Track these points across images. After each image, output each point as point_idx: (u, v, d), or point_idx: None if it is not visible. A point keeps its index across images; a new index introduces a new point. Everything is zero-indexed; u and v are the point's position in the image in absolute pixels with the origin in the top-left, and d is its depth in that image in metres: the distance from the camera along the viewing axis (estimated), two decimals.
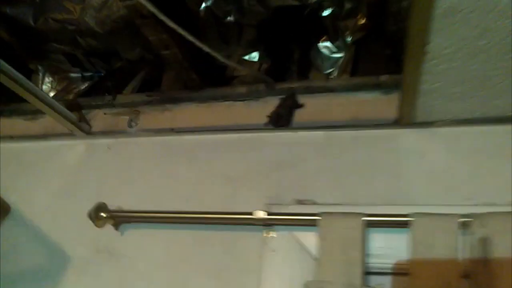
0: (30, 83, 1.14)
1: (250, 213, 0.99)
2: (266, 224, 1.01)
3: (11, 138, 1.41)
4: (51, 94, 1.59)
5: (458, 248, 0.87)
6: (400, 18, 1.16)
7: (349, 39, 1.33)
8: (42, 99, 1.17)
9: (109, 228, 1.13)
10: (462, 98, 0.96)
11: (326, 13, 1.30)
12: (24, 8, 1.39)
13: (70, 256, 1.17)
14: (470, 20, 0.76)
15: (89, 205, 1.12)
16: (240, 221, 1.03)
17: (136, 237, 1.14)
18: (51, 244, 1.21)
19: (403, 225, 0.91)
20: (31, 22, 1.40)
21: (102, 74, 1.55)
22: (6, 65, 1.08)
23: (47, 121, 1.36)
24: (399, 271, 0.93)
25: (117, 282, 1.10)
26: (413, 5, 0.74)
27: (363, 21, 1.29)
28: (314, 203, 1.07)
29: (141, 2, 0.97)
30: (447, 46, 0.82)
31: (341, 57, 1.35)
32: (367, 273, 0.92)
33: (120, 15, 1.33)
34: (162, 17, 0.99)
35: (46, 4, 1.36)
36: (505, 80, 0.90)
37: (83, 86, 1.57)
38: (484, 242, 0.86)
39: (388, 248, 0.95)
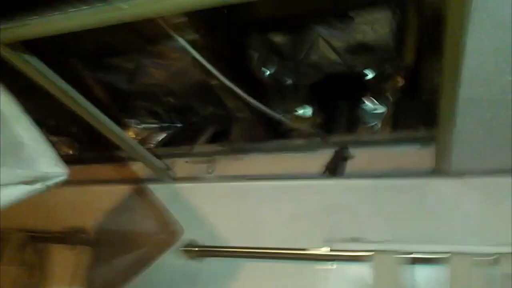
0: (127, 135, 1.42)
1: (317, 249, 1.22)
2: (329, 259, 1.24)
3: (104, 182, 1.70)
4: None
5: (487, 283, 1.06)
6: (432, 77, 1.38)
7: (390, 98, 1.56)
8: (136, 149, 1.44)
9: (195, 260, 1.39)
10: (485, 158, 1.17)
11: (369, 76, 1.55)
12: (119, 75, 1.69)
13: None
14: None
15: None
16: (309, 256, 1.25)
17: (216, 267, 1.39)
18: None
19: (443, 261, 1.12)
20: (125, 86, 1.71)
21: (179, 126, 1.84)
22: (107, 118, 1.35)
23: (137, 168, 1.64)
24: None
25: None
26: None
27: (401, 83, 1.53)
28: (366, 241, 1.28)
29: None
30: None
31: (383, 113, 1.58)
32: None
33: (197, 80, 1.61)
34: (233, 87, 1.25)
35: (138, 72, 1.66)
36: None
37: (162, 136, 1.85)
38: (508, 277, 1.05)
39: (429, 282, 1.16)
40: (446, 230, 1.23)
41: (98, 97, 1.80)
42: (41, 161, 1.00)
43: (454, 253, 1.11)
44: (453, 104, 0.99)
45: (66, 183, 1.70)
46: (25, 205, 1.67)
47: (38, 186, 0.98)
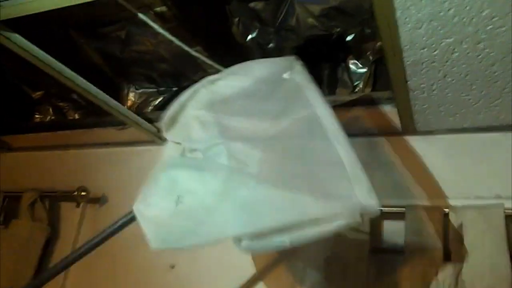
0: (114, 101, 1.52)
1: None
2: None
3: (106, 144, 1.84)
4: (135, 106, 2.00)
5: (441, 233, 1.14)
6: None
7: (370, 58, 1.59)
8: (125, 114, 1.55)
9: None
10: (448, 115, 1.22)
11: (349, 37, 1.58)
12: (114, 44, 1.79)
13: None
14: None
15: None
16: None
17: None
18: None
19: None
20: (118, 54, 1.81)
21: (174, 90, 1.93)
22: (100, 91, 1.45)
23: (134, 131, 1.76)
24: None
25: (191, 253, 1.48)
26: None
27: (380, 43, 1.55)
28: None
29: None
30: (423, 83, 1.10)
31: (364, 73, 1.63)
32: (372, 250, 1.21)
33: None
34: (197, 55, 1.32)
35: (129, 40, 1.75)
36: (480, 100, 1.15)
37: (159, 99, 1.96)
38: (460, 228, 1.13)
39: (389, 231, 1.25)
40: (413, 184, 1.31)
41: (97, 65, 1.91)
42: (356, 190, 0.83)
43: (409, 207, 1.19)
44: (401, 67, 1.04)
45: (71, 146, 1.88)
46: (35, 168, 1.85)
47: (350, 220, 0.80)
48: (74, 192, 1.67)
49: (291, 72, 1.08)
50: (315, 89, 1.03)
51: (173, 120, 1.07)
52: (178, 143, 1.03)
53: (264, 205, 0.83)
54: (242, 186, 0.85)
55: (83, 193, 1.67)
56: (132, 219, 1.02)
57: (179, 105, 1.07)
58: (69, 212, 1.74)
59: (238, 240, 0.83)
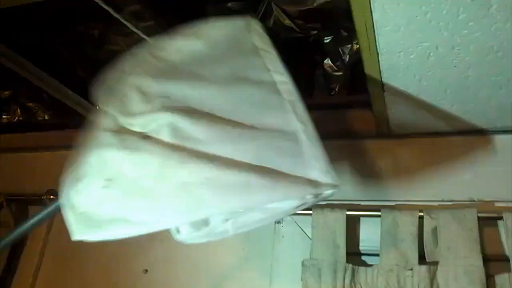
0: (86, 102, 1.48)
1: None
2: None
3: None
4: None
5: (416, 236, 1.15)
6: None
7: (347, 61, 1.60)
8: None
9: None
10: (423, 118, 1.23)
11: (327, 40, 1.58)
12: (85, 43, 1.74)
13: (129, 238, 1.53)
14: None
15: None
16: None
17: None
18: None
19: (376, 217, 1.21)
20: (91, 53, 1.75)
21: None
22: (71, 91, 1.42)
23: None
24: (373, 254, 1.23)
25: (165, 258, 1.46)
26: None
27: (357, 46, 1.56)
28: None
29: None
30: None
31: (341, 75, 1.63)
32: (348, 254, 1.21)
33: None
34: None
35: (102, 39, 1.70)
36: (454, 105, 1.17)
37: None
38: (434, 230, 1.14)
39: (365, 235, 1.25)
40: (388, 187, 1.32)
41: (68, 65, 1.85)
42: (313, 165, 0.76)
43: (384, 210, 1.19)
44: (378, 70, 1.04)
45: (41, 148, 1.81)
46: (2, 171, 1.78)
47: (308, 199, 0.75)
48: (43, 195, 1.61)
49: (249, 34, 0.96)
50: (275, 53, 0.92)
51: (110, 89, 0.90)
52: (113, 115, 0.86)
53: (206, 188, 0.73)
54: (182, 166, 0.74)
55: (51, 197, 1.61)
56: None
57: (119, 72, 0.92)
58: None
59: (176, 229, 0.78)
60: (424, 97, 1.15)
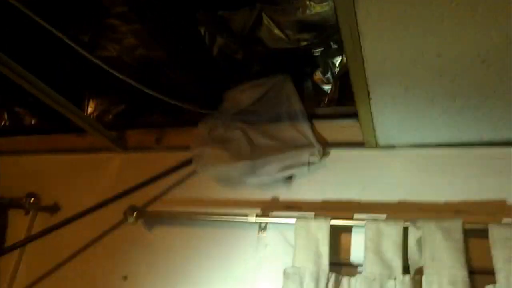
0: (73, 107, 1.47)
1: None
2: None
3: (63, 151, 1.76)
4: (95, 113, 1.93)
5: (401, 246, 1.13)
6: None
7: (336, 72, 1.60)
8: (86, 120, 1.51)
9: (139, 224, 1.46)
10: (409, 130, 1.23)
11: (316, 52, 1.59)
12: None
13: (108, 244, 1.50)
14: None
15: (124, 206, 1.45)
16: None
17: (160, 231, 1.46)
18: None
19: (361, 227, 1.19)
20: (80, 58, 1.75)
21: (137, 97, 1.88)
22: (59, 96, 1.41)
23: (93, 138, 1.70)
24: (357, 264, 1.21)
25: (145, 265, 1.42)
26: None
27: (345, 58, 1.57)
28: (300, 209, 1.35)
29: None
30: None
31: (329, 87, 1.63)
32: (332, 263, 1.19)
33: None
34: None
35: (92, 45, 1.70)
36: (440, 116, 1.17)
37: (120, 108, 1.90)
38: (419, 242, 1.13)
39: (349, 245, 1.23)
40: (373, 198, 1.31)
41: (58, 70, 1.84)
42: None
43: (371, 221, 1.18)
44: (364, 79, 1.04)
45: (25, 152, 1.79)
46: None
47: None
48: (23, 198, 1.58)
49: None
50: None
51: None
52: None
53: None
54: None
55: (32, 199, 1.58)
56: None
57: None
58: (17, 220, 1.64)
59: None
60: (411, 107, 1.15)
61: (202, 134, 1.49)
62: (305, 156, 1.37)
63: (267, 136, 1.47)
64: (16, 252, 1.58)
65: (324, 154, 1.39)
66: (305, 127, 1.42)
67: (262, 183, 1.39)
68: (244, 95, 1.54)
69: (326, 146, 1.41)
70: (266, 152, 1.40)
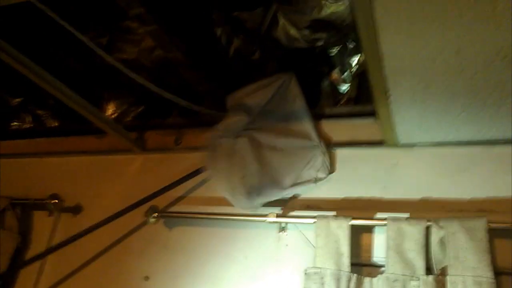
0: (94, 108, 1.49)
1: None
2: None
3: (84, 152, 1.79)
4: (114, 115, 1.96)
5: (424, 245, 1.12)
6: None
7: (353, 71, 1.59)
8: (106, 122, 1.53)
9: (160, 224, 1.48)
10: (429, 128, 1.21)
11: (333, 51, 1.58)
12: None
13: (129, 245, 1.52)
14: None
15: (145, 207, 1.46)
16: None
17: (181, 231, 1.48)
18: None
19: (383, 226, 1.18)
20: (99, 61, 1.77)
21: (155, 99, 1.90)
22: (79, 96, 1.43)
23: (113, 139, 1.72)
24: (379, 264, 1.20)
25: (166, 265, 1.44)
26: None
27: (363, 57, 1.56)
28: (320, 208, 1.34)
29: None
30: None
31: (348, 86, 1.62)
32: (353, 264, 1.18)
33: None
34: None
35: (110, 47, 1.72)
36: (462, 113, 1.14)
37: (140, 109, 1.93)
38: (442, 241, 1.11)
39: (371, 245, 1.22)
40: (395, 197, 1.29)
41: (77, 72, 1.88)
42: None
43: (391, 220, 1.16)
44: (382, 77, 1.03)
45: (47, 154, 1.82)
46: (9, 176, 1.79)
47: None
48: (46, 199, 1.61)
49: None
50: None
51: None
52: None
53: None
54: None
55: (55, 201, 1.61)
56: None
57: None
58: (41, 221, 1.67)
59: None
60: (430, 104, 1.13)
61: (212, 143, 1.38)
62: (312, 172, 1.35)
63: (273, 140, 1.39)
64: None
65: (330, 156, 1.39)
66: (308, 127, 1.39)
67: (266, 201, 1.34)
68: (250, 100, 1.42)
69: (342, 145, 1.41)
70: (272, 165, 1.34)
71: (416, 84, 1.06)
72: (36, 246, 1.64)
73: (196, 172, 1.46)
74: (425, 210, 1.24)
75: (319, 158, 1.36)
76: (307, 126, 1.39)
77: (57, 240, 1.63)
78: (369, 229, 1.24)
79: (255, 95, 1.41)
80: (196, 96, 1.73)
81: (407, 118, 1.20)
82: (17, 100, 2.09)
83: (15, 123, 2.12)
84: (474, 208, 1.21)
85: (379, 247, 1.21)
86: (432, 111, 1.16)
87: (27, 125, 2.10)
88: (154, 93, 1.83)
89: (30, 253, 1.64)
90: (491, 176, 1.22)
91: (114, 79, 1.88)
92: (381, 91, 1.09)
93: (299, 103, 1.41)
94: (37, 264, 1.60)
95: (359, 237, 1.24)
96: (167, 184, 1.50)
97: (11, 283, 1.59)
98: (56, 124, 2.05)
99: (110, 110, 1.98)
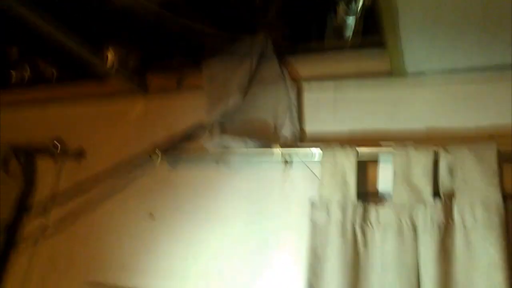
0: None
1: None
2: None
3: (86, 98, 1.76)
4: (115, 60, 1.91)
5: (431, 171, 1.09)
6: None
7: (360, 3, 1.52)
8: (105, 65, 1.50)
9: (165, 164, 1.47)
10: (439, 54, 1.16)
11: None
12: None
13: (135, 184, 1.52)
14: None
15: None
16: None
17: (186, 170, 1.46)
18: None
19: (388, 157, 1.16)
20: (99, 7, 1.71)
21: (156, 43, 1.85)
22: (81, 39, 1.39)
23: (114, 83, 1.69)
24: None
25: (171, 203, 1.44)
26: None
27: None
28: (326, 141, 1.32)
29: None
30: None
31: (354, 19, 1.56)
32: (360, 194, 1.16)
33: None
34: None
35: None
36: (475, 37, 1.09)
37: (140, 53, 1.87)
38: (449, 167, 1.08)
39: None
40: (403, 127, 1.26)
41: (76, 18, 1.82)
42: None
43: (398, 147, 1.14)
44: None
45: (48, 101, 1.80)
46: (11, 125, 1.77)
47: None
48: (49, 145, 1.60)
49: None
50: None
51: None
52: None
53: None
54: None
55: (59, 146, 1.60)
56: None
57: None
58: (45, 168, 1.67)
59: None
60: (442, 26, 1.08)
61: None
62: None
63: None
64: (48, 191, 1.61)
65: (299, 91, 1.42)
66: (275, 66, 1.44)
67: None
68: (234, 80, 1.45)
69: (348, 77, 1.37)
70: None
71: (427, 6, 1.00)
72: (42, 193, 1.64)
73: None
74: (433, 139, 1.21)
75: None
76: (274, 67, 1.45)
77: (62, 186, 1.63)
78: (375, 161, 1.22)
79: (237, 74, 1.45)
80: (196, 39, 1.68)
81: (416, 43, 1.15)
82: (14, 49, 2.05)
83: (13, 71, 2.08)
84: (483, 134, 1.17)
85: (386, 178, 1.19)
86: (443, 35, 1.11)
87: (26, 74, 2.06)
88: (154, 35, 1.79)
89: (36, 200, 1.64)
90: (500, 101, 1.18)
91: (114, 22, 1.82)
92: (391, 16, 1.04)
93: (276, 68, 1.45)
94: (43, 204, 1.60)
95: (365, 169, 1.22)
96: (170, 126, 1.49)
97: (19, 228, 1.60)
98: (55, 71, 2.01)
99: (110, 55, 1.93)
